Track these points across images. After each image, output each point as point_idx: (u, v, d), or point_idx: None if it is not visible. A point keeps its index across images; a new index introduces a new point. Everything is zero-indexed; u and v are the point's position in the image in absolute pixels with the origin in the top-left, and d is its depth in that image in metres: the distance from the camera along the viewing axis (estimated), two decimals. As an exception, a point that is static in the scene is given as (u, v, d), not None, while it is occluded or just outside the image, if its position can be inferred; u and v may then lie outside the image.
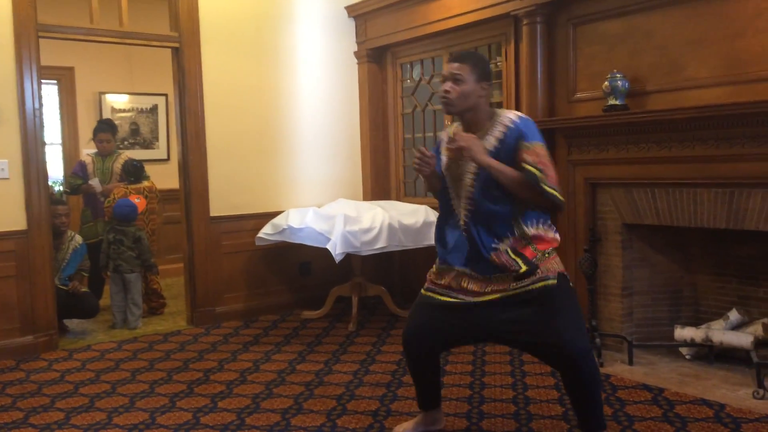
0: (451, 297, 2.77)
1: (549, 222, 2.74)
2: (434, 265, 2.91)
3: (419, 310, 2.87)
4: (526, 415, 3.22)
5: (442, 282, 2.82)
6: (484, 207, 2.69)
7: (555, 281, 2.63)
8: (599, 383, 2.71)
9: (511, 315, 2.66)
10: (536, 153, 2.60)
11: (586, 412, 2.70)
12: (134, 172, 5.74)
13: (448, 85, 2.68)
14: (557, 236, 2.75)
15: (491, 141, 2.67)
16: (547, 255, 2.67)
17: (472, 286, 2.72)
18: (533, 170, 2.56)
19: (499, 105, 4.94)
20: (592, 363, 2.64)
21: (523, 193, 2.62)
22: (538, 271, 2.63)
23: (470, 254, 2.74)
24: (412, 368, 2.97)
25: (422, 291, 2.90)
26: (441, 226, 2.91)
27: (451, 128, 2.88)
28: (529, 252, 2.65)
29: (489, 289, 2.69)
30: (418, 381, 2.99)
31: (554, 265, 2.67)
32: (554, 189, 2.58)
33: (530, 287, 2.63)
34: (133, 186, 5.66)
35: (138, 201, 5.43)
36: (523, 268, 2.62)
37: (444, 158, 2.85)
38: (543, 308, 2.63)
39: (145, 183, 5.76)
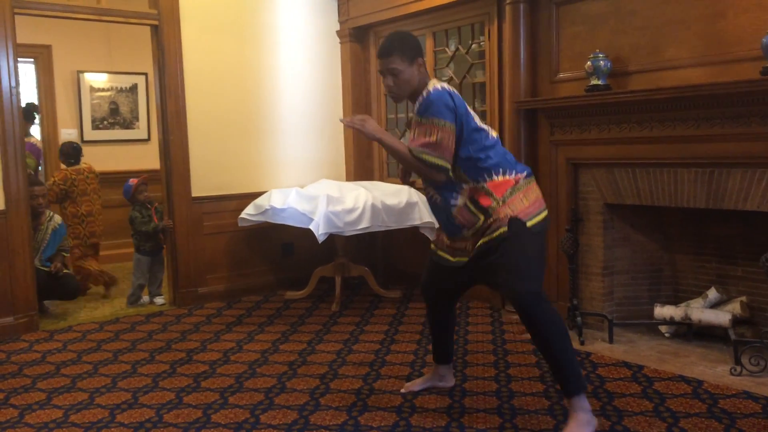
0: (442, 252, 3.02)
1: (501, 168, 2.81)
2: None
3: (428, 262, 3.15)
4: (507, 392, 3.25)
5: (438, 237, 3.08)
6: (463, 154, 2.83)
7: (506, 228, 2.72)
8: (562, 336, 2.70)
9: (481, 265, 2.84)
10: (418, 128, 2.77)
11: (558, 371, 2.73)
12: (74, 154, 5.76)
13: (389, 80, 2.84)
14: (516, 176, 2.81)
15: (416, 107, 2.84)
16: (503, 201, 2.75)
17: (452, 244, 2.97)
18: (420, 156, 2.75)
19: (482, 85, 4.95)
20: (541, 310, 2.69)
21: (410, 167, 2.86)
22: (490, 219, 2.75)
23: (440, 217, 2.96)
24: (429, 316, 3.26)
25: (431, 244, 3.16)
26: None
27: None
28: (485, 200, 2.78)
29: (462, 246, 2.91)
30: (432, 330, 3.26)
31: (508, 210, 2.74)
32: (434, 159, 2.73)
33: (487, 239, 2.76)
34: (73, 168, 5.65)
35: (132, 181, 5.39)
36: (481, 219, 2.78)
37: None
38: (497, 255, 2.75)
39: (83, 164, 5.78)
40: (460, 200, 2.83)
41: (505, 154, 2.88)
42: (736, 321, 3.70)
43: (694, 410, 2.96)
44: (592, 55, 3.96)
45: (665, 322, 3.96)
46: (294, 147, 5.72)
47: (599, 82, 3.95)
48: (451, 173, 2.78)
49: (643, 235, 4.22)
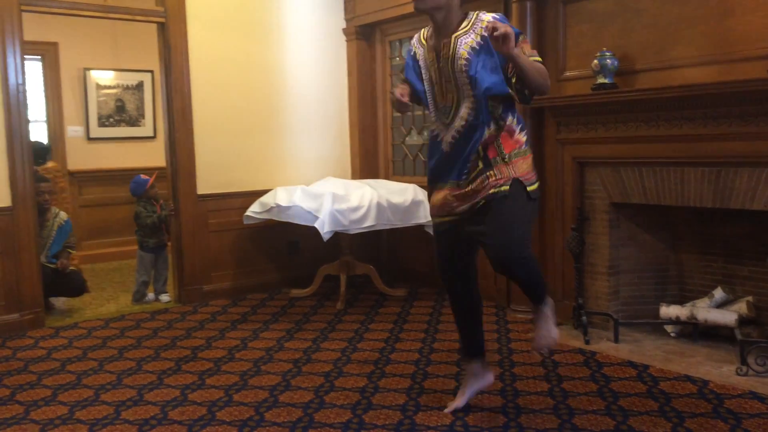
0: (438, 218, 2.91)
1: (522, 121, 2.81)
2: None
3: (435, 237, 3.01)
4: (512, 391, 3.25)
5: (432, 203, 2.93)
6: (479, 91, 2.69)
7: (507, 188, 2.69)
8: (540, 276, 2.79)
9: (476, 222, 2.76)
10: (528, 45, 2.72)
11: (533, 293, 2.81)
12: (42, 153, 5.78)
13: None
14: (524, 136, 2.80)
15: (473, 38, 2.67)
16: (506, 159, 2.72)
17: (452, 202, 2.82)
18: (539, 59, 2.70)
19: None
20: (526, 269, 2.71)
21: (538, 79, 2.64)
22: (491, 174, 2.69)
23: (441, 159, 2.83)
24: (453, 305, 3.09)
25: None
26: (430, 144, 2.97)
27: (423, 32, 2.89)
28: (492, 151, 2.72)
29: (452, 201, 2.80)
30: (457, 321, 3.10)
31: (512, 170, 2.71)
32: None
33: (486, 196, 2.70)
34: (42, 167, 5.65)
35: (144, 177, 5.41)
36: (480, 167, 2.72)
37: (424, 63, 2.84)
38: (493, 214, 2.70)
39: (50, 164, 5.80)
40: (480, 143, 2.72)
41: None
42: (742, 321, 3.68)
43: (700, 410, 2.95)
44: (598, 54, 3.94)
45: (671, 321, 3.95)
46: (299, 145, 5.72)
47: (606, 81, 3.93)
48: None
49: (649, 234, 4.20)
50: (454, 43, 2.70)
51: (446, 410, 3.02)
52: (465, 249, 2.95)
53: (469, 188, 2.75)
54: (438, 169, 2.86)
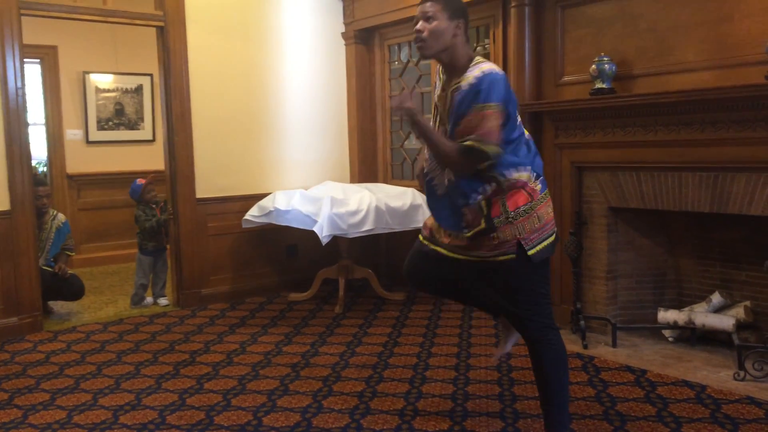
0: (430, 243, 2.73)
1: (528, 167, 2.54)
2: None
3: (412, 251, 2.84)
4: (510, 396, 3.25)
5: (432, 232, 2.76)
6: None
7: (513, 256, 2.50)
8: (561, 367, 2.58)
9: (473, 276, 2.65)
10: (479, 116, 2.41)
11: (549, 405, 2.60)
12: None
13: (420, 25, 2.54)
14: (538, 185, 2.53)
15: (464, 87, 2.47)
16: (512, 218, 2.48)
17: (445, 239, 2.67)
18: (471, 143, 2.40)
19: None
20: (549, 344, 2.56)
21: (437, 155, 2.51)
22: (492, 234, 2.49)
23: (441, 210, 2.64)
24: (438, 295, 2.98)
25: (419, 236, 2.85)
26: (426, 179, 2.74)
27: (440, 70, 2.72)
28: (496, 209, 2.50)
29: (453, 244, 2.63)
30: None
31: (515, 231, 2.48)
32: (490, 147, 2.39)
33: (488, 259, 2.55)
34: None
35: (140, 181, 5.41)
36: (483, 225, 2.50)
37: (436, 97, 2.70)
38: (501, 280, 2.57)
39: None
40: (479, 198, 2.51)
41: (536, 154, 2.60)
42: (739, 326, 3.69)
43: (698, 415, 2.96)
44: (597, 59, 3.95)
45: (669, 326, 3.95)
46: (298, 149, 5.72)
47: (604, 86, 3.94)
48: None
49: (647, 238, 4.21)
50: (451, 97, 2.54)
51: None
52: (440, 280, 2.80)
53: (469, 243, 2.57)
54: (432, 207, 2.69)
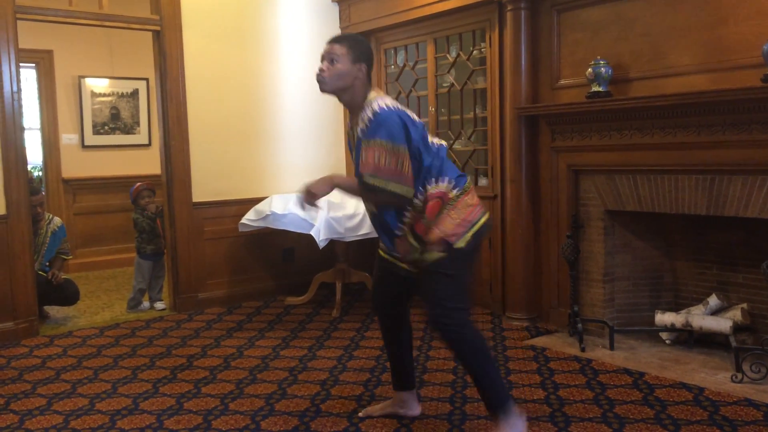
0: (384, 253, 2.93)
1: (434, 177, 2.70)
2: None
3: (376, 270, 3.05)
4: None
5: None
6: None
7: (442, 254, 2.65)
8: (480, 357, 2.68)
9: (414, 280, 2.84)
10: (366, 151, 2.61)
11: (478, 388, 2.73)
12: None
13: (323, 64, 2.73)
14: (446, 187, 2.69)
15: (361, 126, 2.70)
16: (432, 221, 2.66)
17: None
18: (384, 187, 2.59)
19: (483, 91, 4.95)
20: (455, 337, 2.68)
21: (370, 198, 2.72)
22: (424, 246, 2.68)
23: (382, 237, 2.86)
24: (384, 336, 3.09)
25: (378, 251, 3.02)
26: None
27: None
28: (420, 227, 2.69)
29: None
30: (389, 352, 3.09)
31: (438, 231, 2.64)
32: (398, 186, 2.58)
33: (424, 263, 2.71)
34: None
35: (137, 185, 5.41)
36: (417, 249, 2.71)
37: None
38: (425, 276, 2.72)
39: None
40: (403, 229, 2.73)
41: (442, 162, 2.74)
42: (737, 328, 3.70)
43: (696, 417, 2.96)
44: (593, 62, 3.97)
45: (666, 328, 3.96)
46: (295, 153, 5.72)
47: (600, 89, 3.96)
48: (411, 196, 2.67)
49: (643, 241, 4.22)
50: (355, 133, 2.77)
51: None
52: (403, 291, 2.98)
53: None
54: (378, 232, 2.90)
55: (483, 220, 2.74)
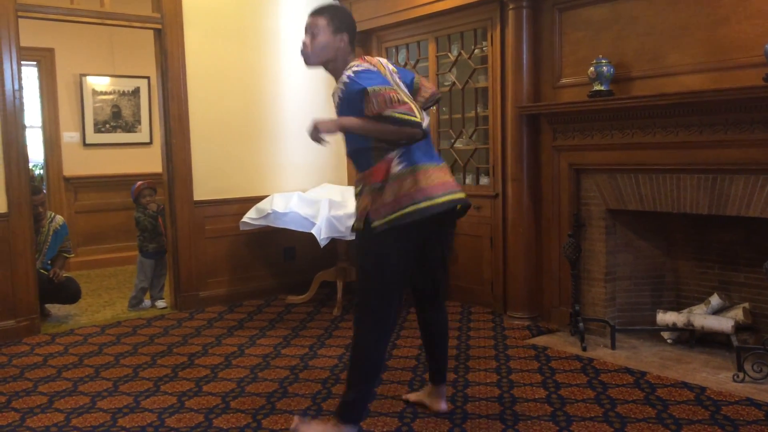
0: None
1: (388, 155, 2.67)
2: None
3: None
4: (510, 398, 3.25)
5: None
6: (348, 148, 2.84)
7: (360, 226, 2.69)
8: (362, 364, 2.67)
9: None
10: (375, 96, 2.55)
11: (346, 388, 2.74)
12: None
13: (306, 38, 2.77)
14: (395, 163, 2.66)
15: (338, 92, 2.74)
16: (365, 192, 2.71)
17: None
18: (391, 115, 2.53)
19: (485, 90, 4.94)
20: (361, 325, 2.69)
21: (387, 136, 2.64)
22: (356, 206, 2.75)
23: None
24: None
25: None
26: None
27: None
28: (362, 179, 2.75)
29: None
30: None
31: (365, 202, 2.68)
32: (404, 114, 2.53)
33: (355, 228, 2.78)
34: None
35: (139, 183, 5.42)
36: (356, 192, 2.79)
37: None
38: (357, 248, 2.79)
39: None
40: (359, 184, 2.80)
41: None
42: (738, 327, 3.69)
43: (697, 417, 2.96)
44: (595, 61, 3.96)
45: (668, 328, 3.95)
46: (296, 151, 5.72)
47: (602, 88, 3.95)
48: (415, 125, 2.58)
49: (645, 240, 4.22)
50: (335, 99, 2.80)
51: (402, 397, 3.18)
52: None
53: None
54: None
55: (411, 208, 2.62)
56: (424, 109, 2.84)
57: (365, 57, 2.83)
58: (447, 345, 3.08)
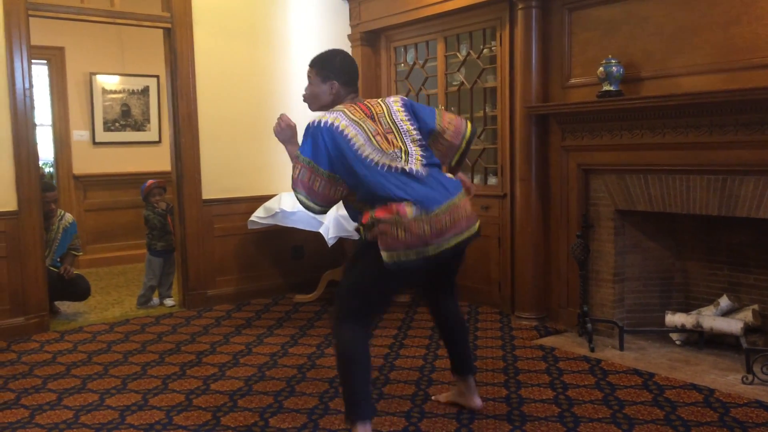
0: None
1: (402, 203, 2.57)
2: None
3: None
4: (517, 399, 3.25)
5: None
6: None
7: (359, 235, 2.71)
8: (346, 363, 2.63)
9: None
10: (294, 166, 2.68)
11: (342, 392, 2.70)
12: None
13: (306, 87, 2.89)
14: (404, 207, 2.53)
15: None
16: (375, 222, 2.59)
17: None
18: (295, 191, 2.69)
19: (493, 90, 4.93)
20: (336, 328, 2.68)
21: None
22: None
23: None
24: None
25: None
26: None
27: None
28: (365, 217, 2.64)
29: None
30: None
31: (382, 227, 2.54)
32: (304, 198, 2.66)
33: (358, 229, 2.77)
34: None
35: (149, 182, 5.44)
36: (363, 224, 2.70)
37: None
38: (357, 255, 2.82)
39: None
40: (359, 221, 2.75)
41: (406, 182, 2.59)
42: (748, 329, 3.67)
43: (706, 419, 2.94)
44: (604, 61, 3.95)
45: (676, 329, 3.94)
46: (304, 150, 5.71)
47: (611, 88, 3.94)
48: (318, 208, 2.69)
49: (654, 241, 4.20)
50: None
51: (432, 398, 3.20)
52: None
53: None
54: None
55: (422, 251, 2.54)
56: (454, 162, 2.94)
57: (365, 102, 2.79)
58: (467, 333, 3.10)
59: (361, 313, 2.69)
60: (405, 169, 2.61)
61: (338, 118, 2.65)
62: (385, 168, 2.60)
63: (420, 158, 2.67)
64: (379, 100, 2.84)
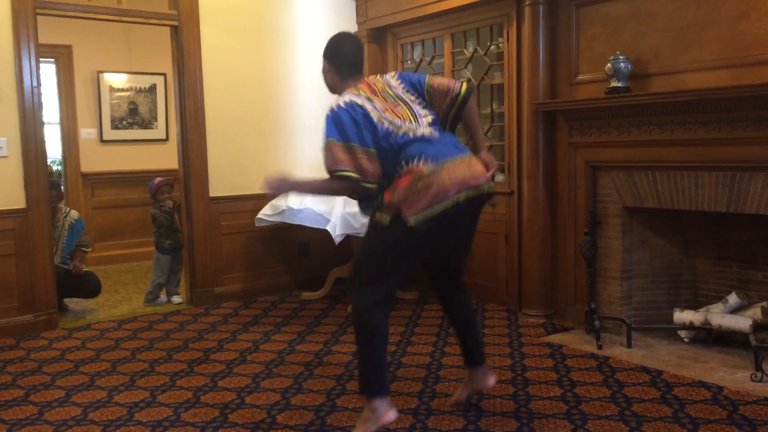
0: None
1: (415, 158, 2.68)
2: None
3: None
4: (524, 396, 3.24)
5: None
6: None
7: (385, 218, 2.70)
8: (369, 337, 2.67)
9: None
10: (328, 151, 2.71)
11: (359, 366, 2.74)
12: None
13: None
14: (420, 165, 2.65)
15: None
16: (400, 196, 2.66)
17: None
18: (337, 173, 2.71)
19: (501, 87, 4.92)
20: (356, 298, 2.71)
21: (337, 193, 2.96)
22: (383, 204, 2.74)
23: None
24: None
25: None
26: None
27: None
28: (388, 195, 2.71)
29: None
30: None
31: (398, 196, 2.65)
32: (342, 171, 2.67)
33: (371, 217, 2.82)
34: None
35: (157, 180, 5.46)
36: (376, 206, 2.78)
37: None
38: (367, 229, 2.87)
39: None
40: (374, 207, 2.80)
41: (419, 145, 2.71)
42: (756, 326, 3.65)
43: (714, 416, 2.93)
44: (612, 57, 3.93)
45: (685, 327, 3.92)
46: (311, 147, 5.69)
47: (619, 84, 3.92)
48: (369, 185, 2.70)
49: (662, 238, 4.18)
50: None
51: (449, 403, 3.13)
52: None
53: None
54: None
55: (440, 206, 2.61)
56: (450, 115, 2.90)
57: (366, 80, 2.91)
58: (477, 325, 3.14)
59: (380, 282, 2.72)
60: (418, 135, 2.74)
61: (352, 98, 2.77)
62: (400, 136, 2.72)
63: (429, 123, 2.80)
64: (377, 77, 2.94)
